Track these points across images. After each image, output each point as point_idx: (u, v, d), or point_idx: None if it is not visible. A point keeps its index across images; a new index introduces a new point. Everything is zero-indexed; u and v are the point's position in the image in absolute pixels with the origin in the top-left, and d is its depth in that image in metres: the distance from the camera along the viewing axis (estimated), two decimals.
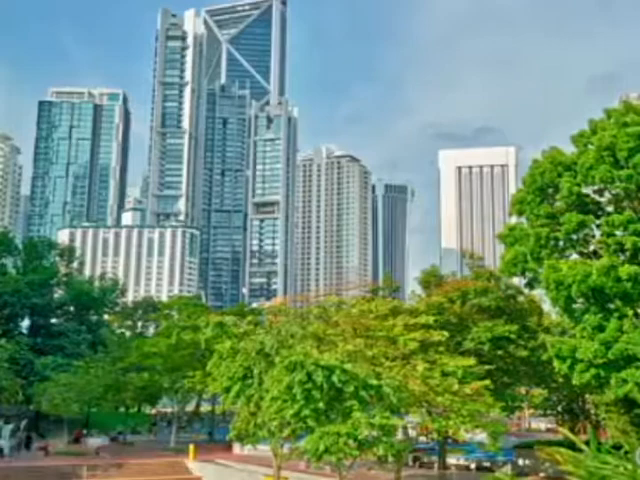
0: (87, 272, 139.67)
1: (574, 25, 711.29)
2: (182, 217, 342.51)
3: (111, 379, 64.88)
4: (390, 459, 31.63)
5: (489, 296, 43.45)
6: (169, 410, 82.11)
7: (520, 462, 45.42)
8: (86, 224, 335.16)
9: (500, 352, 43.16)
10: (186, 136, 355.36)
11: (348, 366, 28.78)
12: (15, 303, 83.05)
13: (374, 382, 29.21)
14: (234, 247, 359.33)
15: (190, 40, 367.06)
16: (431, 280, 48.14)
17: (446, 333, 37.93)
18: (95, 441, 63.71)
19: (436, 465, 47.45)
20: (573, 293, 29.14)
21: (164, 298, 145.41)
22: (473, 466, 47.98)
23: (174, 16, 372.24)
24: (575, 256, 32.33)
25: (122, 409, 78.32)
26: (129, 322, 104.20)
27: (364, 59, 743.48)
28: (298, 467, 40.17)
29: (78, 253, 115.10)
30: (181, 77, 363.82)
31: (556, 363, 31.13)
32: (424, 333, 37.16)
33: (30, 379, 71.98)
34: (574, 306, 31.20)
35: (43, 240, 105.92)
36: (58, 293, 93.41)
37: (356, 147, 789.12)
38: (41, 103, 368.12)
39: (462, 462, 48.71)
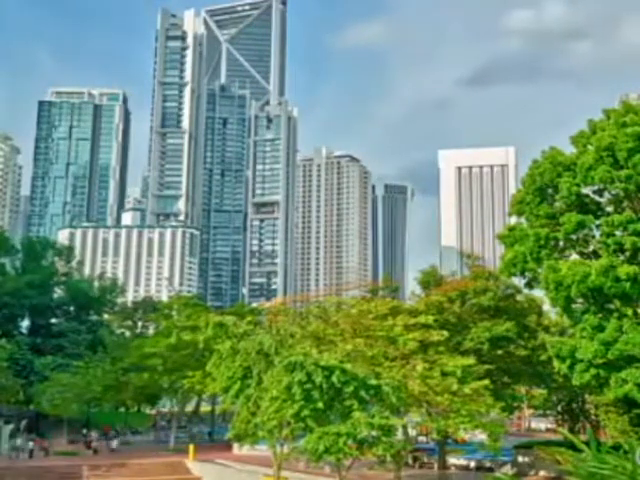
0: (87, 272, 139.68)
1: None
2: (182, 217, 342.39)
3: (111, 379, 64.85)
4: (389, 459, 31.62)
5: (488, 295, 43.45)
6: (169, 410, 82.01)
7: (520, 462, 45.42)
8: (86, 224, 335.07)
9: (500, 352, 43.19)
10: (186, 136, 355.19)
11: (348, 366, 28.80)
12: (14, 303, 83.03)
13: (374, 382, 29.22)
14: (234, 247, 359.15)
15: (190, 40, 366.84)
16: (430, 280, 48.14)
17: (446, 333, 37.92)
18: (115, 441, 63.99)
19: (436, 465, 47.45)
20: (572, 293, 29.14)
21: (164, 298, 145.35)
22: (473, 465, 47.98)
23: (174, 16, 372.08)
24: (575, 256, 32.31)
25: (122, 409, 78.35)
26: (129, 322, 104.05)
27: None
28: (298, 467, 40.15)
29: (77, 253, 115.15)
30: (181, 77, 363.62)
31: (556, 363, 31.13)
32: (424, 333, 37.16)
33: (30, 379, 71.96)
34: (574, 306, 31.20)
35: (42, 240, 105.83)
36: (57, 293, 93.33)
37: (355, 143, 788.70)
38: (41, 103, 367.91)
39: (462, 462, 48.71)
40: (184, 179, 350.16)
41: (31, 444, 56.66)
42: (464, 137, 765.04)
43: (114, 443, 62.55)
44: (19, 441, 57.54)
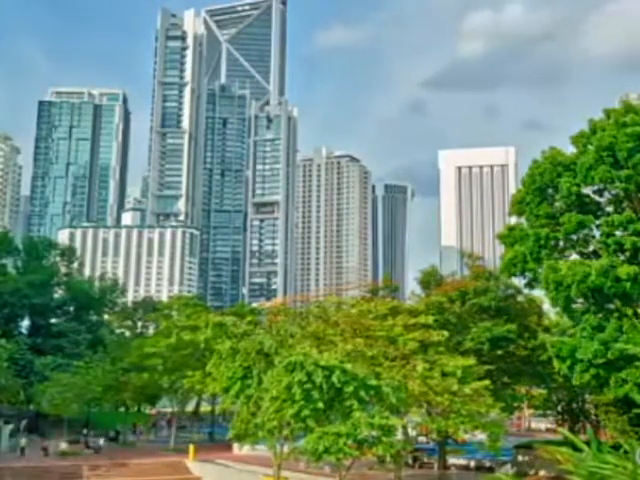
0: (87, 272, 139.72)
1: None
2: (182, 217, 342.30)
3: (111, 379, 64.81)
4: (389, 459, 31.62)
5: (488, 296, 43.46)
6: (169, 410, 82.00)
7: (520, 462, 45.41)
8: (86, 224, 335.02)
9: (500, 352, 43.18)
10: (186, 136, 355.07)
11: (348, 366, 28.79)
12: (15, 303, 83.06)
13: (374, 382, 29.21)
14: (234, 247, 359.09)
15: (190, 40, 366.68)
16: (430, 280, 48.16)
17: (446, 333, 37.93)
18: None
19: (436, 465, 47.44)
20: (572, 293, 29.14)
21: (164, 298, 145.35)
22: (473, 465, 47.97)
23: (174, 16, 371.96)
24: (575, 256, 32.32)
25: (122, 409, 78.27)
26: (129, 322, 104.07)
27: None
28: (298, 467, 40.16)
29: (78, 253, 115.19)
30: (181, 77, 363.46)
31: (556, 363, 31.13)
32: (424, 333, 37.16)
33: (30, 379, 71.95)
34: (574, 306, 31.22)
35: (43, 240, 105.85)
36: (58, 293, 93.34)
37: (355, 143, 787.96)
38: (41, 103, 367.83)
39: (462, 462, 48.70)
40: (184, 179, 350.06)
41: (29, 443, 56.64)
42: (461, 138, 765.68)
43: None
44: (23, 441, 57.50)
